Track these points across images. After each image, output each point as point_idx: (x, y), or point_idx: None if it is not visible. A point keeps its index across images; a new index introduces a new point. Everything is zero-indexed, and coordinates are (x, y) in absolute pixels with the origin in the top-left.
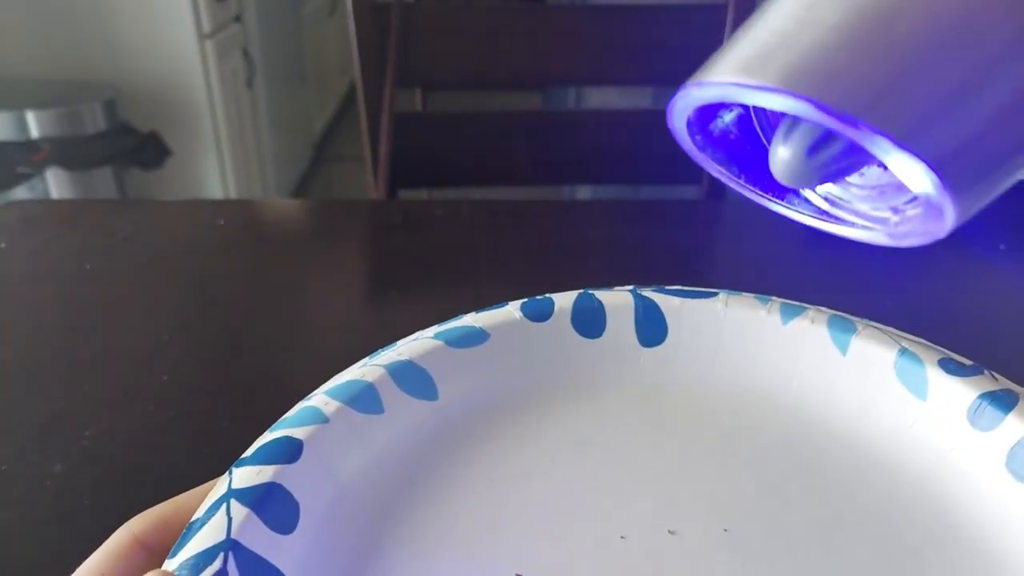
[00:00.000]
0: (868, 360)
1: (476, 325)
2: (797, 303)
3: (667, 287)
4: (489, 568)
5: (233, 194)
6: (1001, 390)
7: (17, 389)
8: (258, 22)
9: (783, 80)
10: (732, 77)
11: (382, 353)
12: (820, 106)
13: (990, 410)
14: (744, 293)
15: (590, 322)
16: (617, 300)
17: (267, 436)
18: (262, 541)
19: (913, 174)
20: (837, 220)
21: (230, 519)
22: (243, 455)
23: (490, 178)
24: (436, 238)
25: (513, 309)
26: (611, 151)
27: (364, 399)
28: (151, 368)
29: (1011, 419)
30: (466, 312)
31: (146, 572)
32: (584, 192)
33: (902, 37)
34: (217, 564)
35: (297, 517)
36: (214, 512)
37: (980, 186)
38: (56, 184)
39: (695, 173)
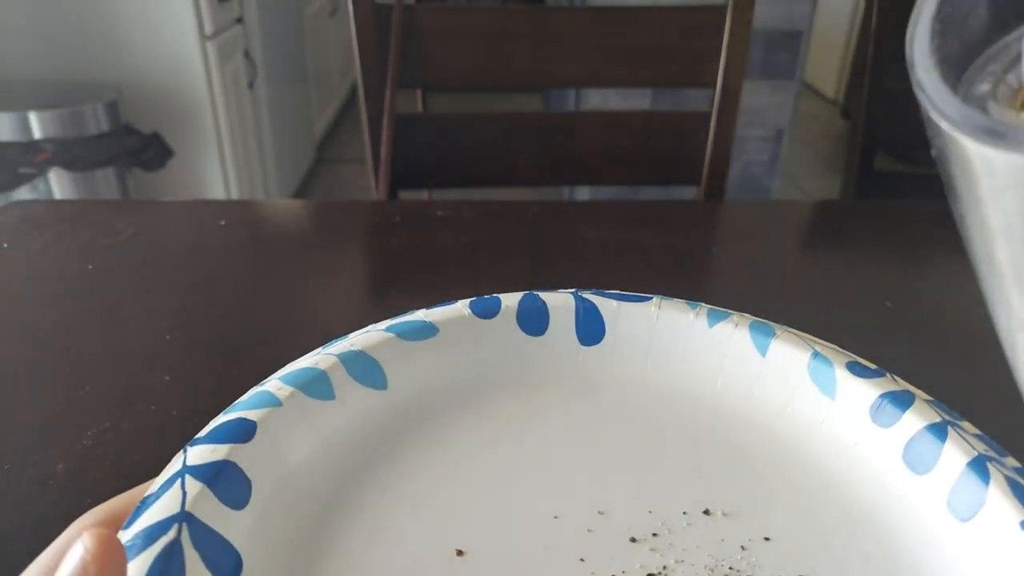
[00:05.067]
0: (785, 361)
1: (427, 320)
2: (723, 309)
3: (606, 291)
4: (431, 545)
5: (235, 195)
6: (900, 390)
7: (19, 389)
8: (260, 24)
9: None
10: None
11: (335, 343)
12: None
13: (890, 408)
14: (676, 299)
15: (534, 321)
16: (559, 301)
17: (222, 417)
18: (214, 515)
19: None
20: None
21: (185, 493)
22: (197, 435)
23: (490, 179)
24: (437, 238)
25: (463, 306)
26: (611, 152)
27: (316, 385)
28: (153, 368)
29: (908, 416)
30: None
31: None
32: (583, 193)
33: None
34: (171, 534)
35: (249, 494)
36: (169, 487)
37: None
38: (58, 185)
39: (694, 174)
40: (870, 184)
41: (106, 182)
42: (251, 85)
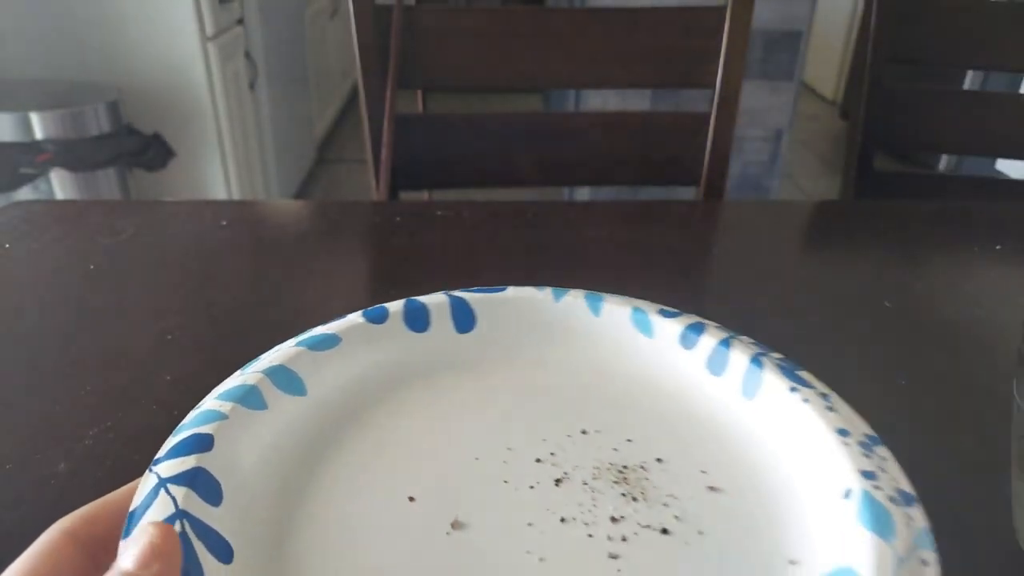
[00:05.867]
0: (615, 319)
1: (329, 332)
2: (563, 288)
3: (473, 288)
4: (382, 493)
5: (236, 195)
6: (696, 322)
7: (20, 388)
8: (261, 25)
9: None
10: None
11: (254, 363)
12: None
13: (691, 335)
14: (525, 286)
15: (418, 319)
16: (436, 300)
17: (174, 439)
18: (201, 511)
19: None
20: None
21: (173, 497)
22: (157, 455)
23: (490, 179)
24: (437, 238)
25: (356, 316)
26: (610, 153)
27: (250, 398)
28: (154, 367)
29: (704, 339)
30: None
31: (76, 563)
32: (583, 193)
33: None
34: (178, 528)
35: (221, 493)
36: (154, 497)
37: None
38: (60, 185)
39: (694, 174)
40: (869, 184)
41: (107, 182)
42: (252, 86)
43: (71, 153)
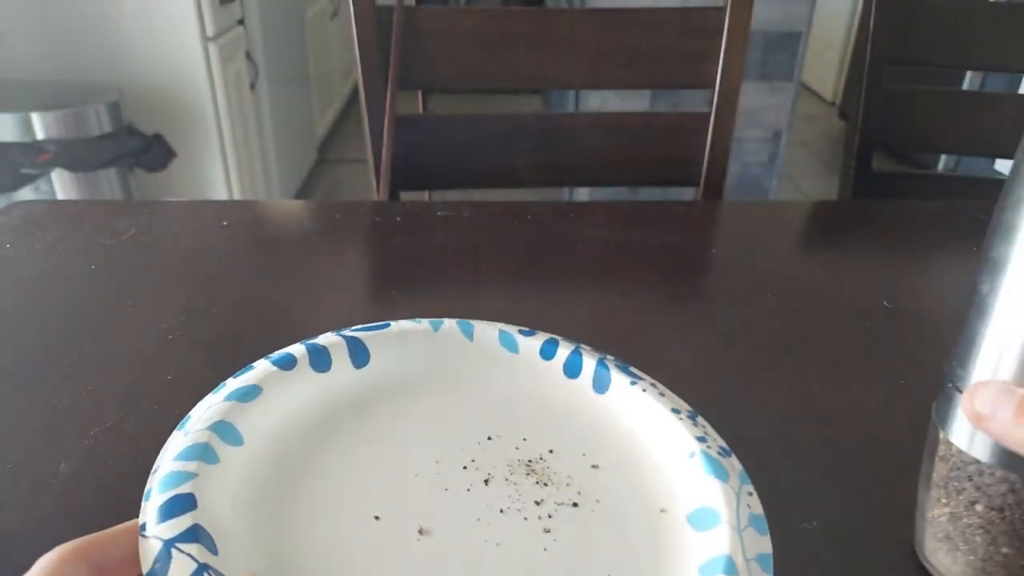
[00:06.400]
0: (485, 342)
1: (248, 383)
2: (438, 319)
3: (363, 326)
4: (346, 508)
5: (237, 196)
6: (549, 338)
7: (22, 388)
8: (261, 25)
9: None
10: None
11: (189, 421)
12: None
13: (548, 347)
14: (407, 320)
15: (321, 360)
16: (333, 340)
17: (155, 502)
18: (214, 562)
19: None
20: None
21: (188, 555)
22: (142, 522)
23: (490, 179)
24: (437, 239)
25: (268, 364)
26: (610, 153)
27: (208, 454)
28: (155, 367)
29: (560, 350)
30: (465, 313)
31: None
32: (583, 194)
33: None
34: None
35: (215, 544)
36: (168, 558)
37: None
38: (61, 185)
39: (693, 175)
40: (867, 184)
41: (108, 183)
42: (253, 86)
43: (72, 153)
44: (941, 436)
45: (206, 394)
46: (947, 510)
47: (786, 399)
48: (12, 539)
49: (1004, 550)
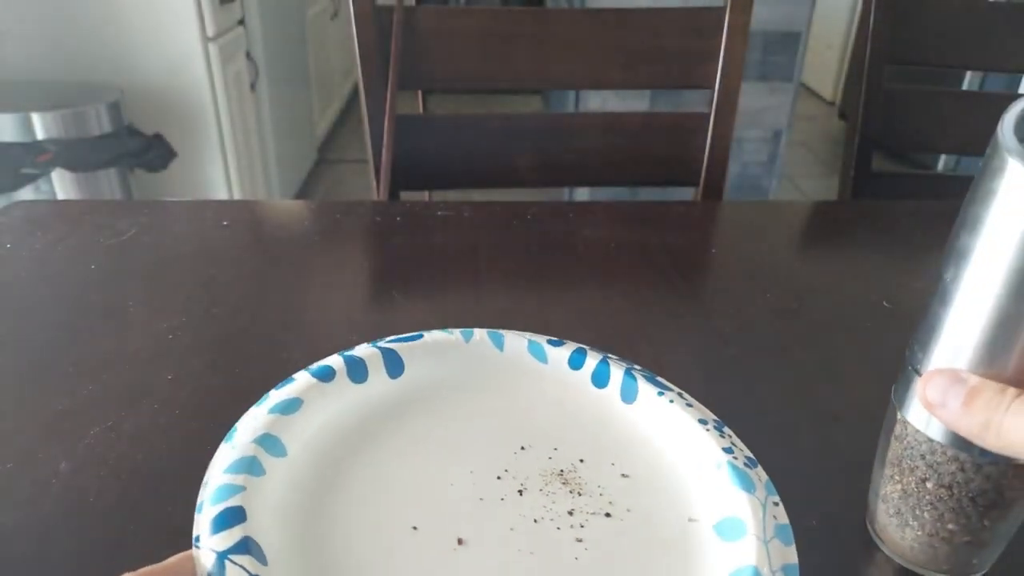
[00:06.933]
0: (515, 351)
1: (291, 396)
2: (469, 328)
3: (395, 337)
4: (384, 518)
5: (237, 195)
6: (578, 347)
7: (23, 388)
8: (262, 26)
9: None
10: None
11: (237, 432)
12: None
13: (577, 357)
14: (438, 330)
15: (358, 372)
16: (369, 352)
17: (207, 514)
18: (265, 572)
19: None
20: None
21: (241, 566)
22: (196, 534)
23: (490, 179)
24: (437, 238)
25: (308, 377)
26: (610, 153)
27: (255, 467)
28: (156, 367)
29: (588, 360)
30: (468, 312)
31: None
32: (583, 194)
33: None
34: None
35: (264, 555)
36: (222, 569)
37: None
38: (61, 185)
39: (693, 175)
40: (867, 185)
41: (108, 183)
42: (253, 86)
43: (72, 153)
44: (899, 416)
45: (207, 393)
46: (899, 487)
47: (786, 399)
48: (13, 538)
49: (950, 526)
